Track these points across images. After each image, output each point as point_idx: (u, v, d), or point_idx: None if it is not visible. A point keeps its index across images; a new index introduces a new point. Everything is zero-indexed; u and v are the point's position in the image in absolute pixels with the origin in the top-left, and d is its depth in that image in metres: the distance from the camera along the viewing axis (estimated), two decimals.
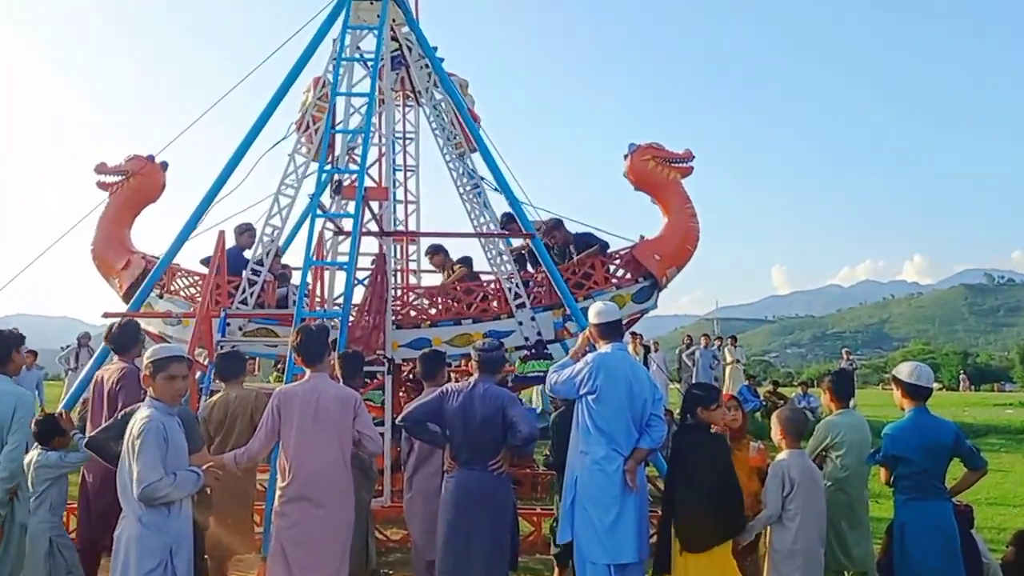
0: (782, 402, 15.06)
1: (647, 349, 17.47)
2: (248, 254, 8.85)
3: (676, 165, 9.32)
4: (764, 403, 16.63)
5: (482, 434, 4.90)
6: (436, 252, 10.17)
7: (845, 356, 20.54)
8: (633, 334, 16.42)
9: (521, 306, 8.84)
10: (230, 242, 8.77)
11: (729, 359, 19.10)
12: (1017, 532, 7.71)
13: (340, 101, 7.97)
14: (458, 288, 9.24)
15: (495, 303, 9.07)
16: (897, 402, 5.17)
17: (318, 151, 8.41)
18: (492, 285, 9.25)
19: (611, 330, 5.26)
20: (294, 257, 10.14)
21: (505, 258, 9.07)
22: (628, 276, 9.32)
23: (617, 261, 9.37)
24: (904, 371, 5.14)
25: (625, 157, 9.42)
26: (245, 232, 9.26)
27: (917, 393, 5.04)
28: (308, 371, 4.90)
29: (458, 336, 8.73)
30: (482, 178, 9.28)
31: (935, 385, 7.18)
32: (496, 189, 9.00)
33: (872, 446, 5.40)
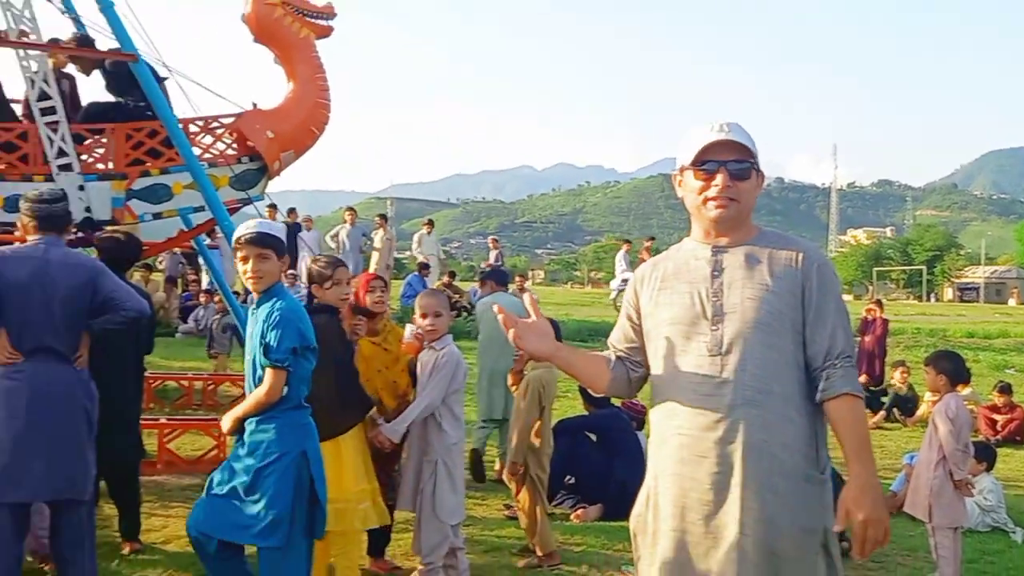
0: (457, 297, 13.83)
1: (297, 227, 14.26)
2: None
3: (312, 20, 7.24)
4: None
5: (64, 314, 3.62)
6: None
7: (492, 244, 20.32)
8: (273, 207, 12.91)
9: (66, 168, 6.25)
10: None
11: (379, 240, 16.22)
12: None
13: None
14: None
15: (29, 158, 6.37)
16: None
17: None
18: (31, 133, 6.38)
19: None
20: None
21: (49, 92, 6.17)
22: (229, 152, 7.12)
23: (219, 130, 7.10)
24: None
25: None
26: None
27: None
28: None
29: None
30: None
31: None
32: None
33: None
